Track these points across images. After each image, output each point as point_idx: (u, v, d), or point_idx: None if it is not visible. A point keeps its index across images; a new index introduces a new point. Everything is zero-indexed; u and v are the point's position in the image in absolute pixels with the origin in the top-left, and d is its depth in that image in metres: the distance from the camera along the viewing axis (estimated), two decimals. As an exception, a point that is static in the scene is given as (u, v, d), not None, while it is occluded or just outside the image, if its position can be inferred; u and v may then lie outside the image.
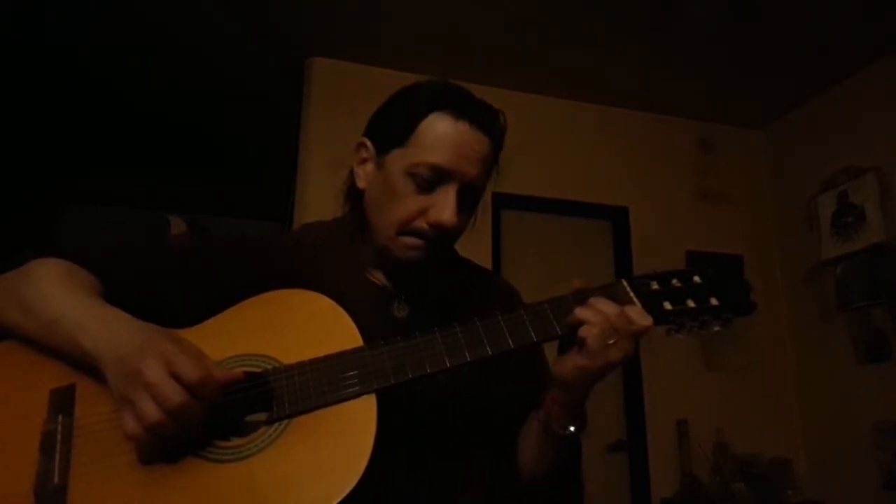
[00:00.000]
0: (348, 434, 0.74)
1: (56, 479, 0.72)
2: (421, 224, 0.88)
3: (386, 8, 2.89)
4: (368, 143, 0.94)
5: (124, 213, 4.65)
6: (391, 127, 0.92)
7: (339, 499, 0.68)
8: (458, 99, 0.91)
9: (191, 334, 0.79)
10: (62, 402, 0.77)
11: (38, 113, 3.93)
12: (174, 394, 0.69)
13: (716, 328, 0.87)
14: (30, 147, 4.31)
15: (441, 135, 0.87)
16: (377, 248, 0.93)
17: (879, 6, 2.77)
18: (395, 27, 3.03)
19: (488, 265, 3.16)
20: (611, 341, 0.79)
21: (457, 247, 1.02)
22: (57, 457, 0.73)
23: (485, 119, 0.91)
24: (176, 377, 0.70)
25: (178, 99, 3.75)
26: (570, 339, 0.82)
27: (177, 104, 3.81)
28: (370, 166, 0.94)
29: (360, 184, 0.95)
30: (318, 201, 2.98)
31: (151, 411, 0.69)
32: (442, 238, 0.89)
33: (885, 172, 3.06)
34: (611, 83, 3.46)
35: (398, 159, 0.89)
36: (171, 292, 0.87)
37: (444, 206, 0.87)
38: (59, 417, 0.76)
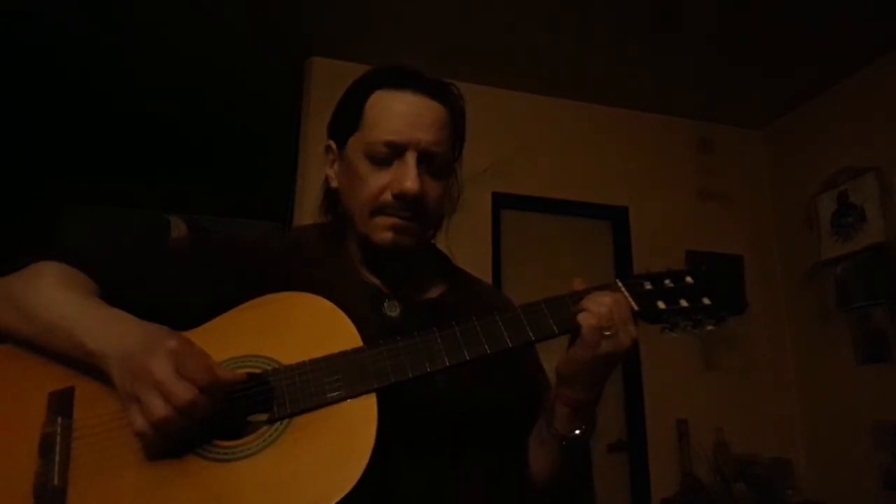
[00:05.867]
0: (348, 433, 0.74)
1: (55, 481, 0.72)
2: (386, 197, 0.88)
3: (386, 8, 2.89)
4: (332, 144, 0.96)
5: (124, 213, 4.64)
6: (343, 118, 0.94)
7: (339, 498, 0.68)
8: (399, 73, 0.91)
9: (191, 336, 0.79)
10: (61, 404, 0.77)
11: (39, 113, 3.93)
12: (184, 391, 0.69)
13: (709, 327, 0.89)
14: (30, 147, 4.31)
15: (386, 108, 0.89)
16: (359, 240, 0.93)
17: (879, 6, 2.77)
18: (395, 27, 3.03)
19: (488, 265, 3.16)
20: (607, 333, 0.80)
21: (457, 245, 1.02)
22: (56, 459, 0.73)
23: (430, 86, 0.91)
24: (183, 377, 0.70)
25: (178, 99, 3.75)
26: (573, 337, 0.83)
27: (177, 104, 3.81)
28: (337, 164, 0.96)
29: (333, 184, 0.97)
30: (317, 201, 2.97)
31: (160, 407, 0.69)
32: (413, 210, 0.88)
33: (884, 172, 3.06)
34: (611, 83, 3.46)
35: (354, 145, 0.91)
36: (169, 295, 0.87)
37: (404, 175, 0.86)
38: (59, 419, 0.76)
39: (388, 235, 0.89)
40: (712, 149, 3.77)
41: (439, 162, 0.91)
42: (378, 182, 0.88)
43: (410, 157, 0.87)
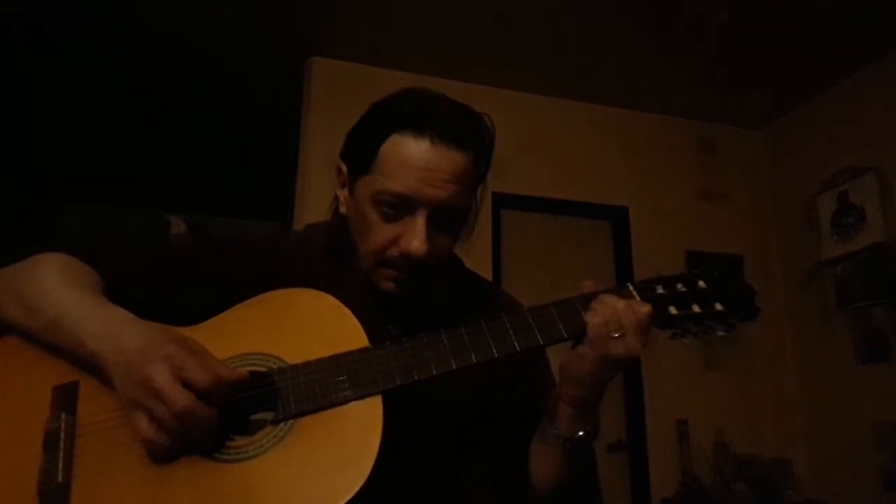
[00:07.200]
0: (354, 435, 0.74)
1: (59, 478, 0.72)
2: (392, 253, 0.83)
3: (385, 8, 2.89)
4: (343, 168, 0.91)
5: (124, 213, 4.64)
6: (357, 153, 0.88)
7: (344, 501, 0.68)
8: (420, 114, 0.83)
9: (194, 333, 0.79)
10: (65, 399, 0.77)
11: (39, 113, 3.93)
12: (181, 399, 0.69)
13: (720, 333, 0.86)
14: (30, 147, 4.31)
15: (401, 159, 0.81)
16: (362, 275, 0.89)
17: (879, 6, 2.77)
18: (395, 27, 3.03)
19: (488, 265, 3.16)
20: (615, 334, 0.78)
21: (457, 248, 1.01)
22: (60, 455, 0.73)
23: (454, 131, 0.83)
24: (184, 381, 0.70)
25: (178, 99, 3.75)
26: (580, 340, 0.81)
27: (177, 104, 3.81)
28: (346, 192, 0.91)
29: (342, 209, 0.93)
30: (318, 201, 2.98)
31: (164, 416, 0.69)
32: (419, 267, 0.83)
33: (885, 172, 3.06)
34: (611, 83, 3.46)
35: (365, 187, 0.85)
36: (171, 291, 0.87)
37: (412, 235, 0.81)
38: (63, 415, 0.76)
39: (390, 286, 0.86)
40: (712, 149, 3.77)
41: (454, 214, 0.85)
42: (385, 235, 0.83)
43: (420, 217, 0.82)
